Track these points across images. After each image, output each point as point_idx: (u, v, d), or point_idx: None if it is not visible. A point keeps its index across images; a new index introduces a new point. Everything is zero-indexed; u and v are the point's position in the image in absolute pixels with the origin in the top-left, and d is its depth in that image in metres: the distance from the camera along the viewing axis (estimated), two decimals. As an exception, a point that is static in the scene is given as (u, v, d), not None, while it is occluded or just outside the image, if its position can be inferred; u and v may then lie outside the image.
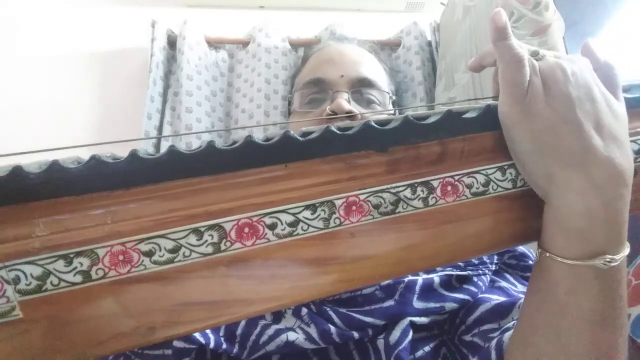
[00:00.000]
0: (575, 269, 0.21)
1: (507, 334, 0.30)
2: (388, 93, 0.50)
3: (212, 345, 0.31)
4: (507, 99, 0.22)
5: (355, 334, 0.31)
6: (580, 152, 0.21)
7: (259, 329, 0.32)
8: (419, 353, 0.32)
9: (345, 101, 0.44)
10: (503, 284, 0.38)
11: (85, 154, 0.19)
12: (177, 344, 0.31)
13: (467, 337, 0.33)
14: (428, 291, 0.34)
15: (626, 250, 0.22)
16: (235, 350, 0.31)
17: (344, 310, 0.33)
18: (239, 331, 0.32)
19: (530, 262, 0.40)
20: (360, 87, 0.47)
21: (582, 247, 0.21)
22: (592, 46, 0.26)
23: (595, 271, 0.21)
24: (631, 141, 0.25)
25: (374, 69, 0.50)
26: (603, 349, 0.22)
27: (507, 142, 0.23)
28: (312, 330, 0.31)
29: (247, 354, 0.31)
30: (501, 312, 0.33)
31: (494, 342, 0.30)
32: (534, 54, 0.23)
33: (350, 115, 0.43)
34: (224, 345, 0.31)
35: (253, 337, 0.31)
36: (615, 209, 0.21)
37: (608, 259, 0.21)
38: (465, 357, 0.32)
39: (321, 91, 0.48)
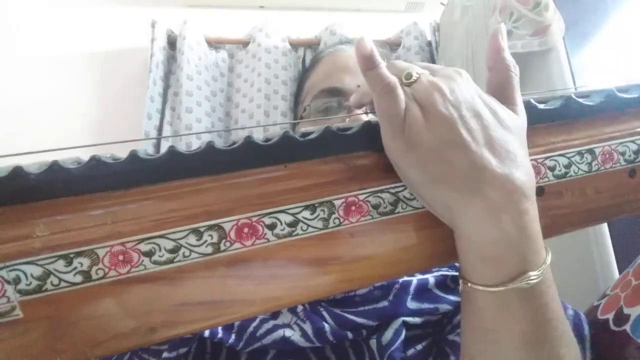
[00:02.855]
0: (499, 295, 0.20)
1: None
2: None
3: (206, 333, 0.31)
4: (387, 132, 0.21)
5: (349, 334, 0.31)
6: (473, 174, 0.19)
7: (257, 322, 0.32)
8: (411, 351, 0.32)
9: (364, 115, 0.44)
10: None
11: (85, 155, 0.19)
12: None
13: (451, 337, 0.33)
14: (422, 292, 0.34)
15: (547, 258, 0.20)
16: (231, 340, 0.31)
17: (337, 311, 0.33)
18: (237, 322, 0.32)
19: None
20: None
21: (501, 272, 0.20)
22: (500, 36, 0.23)
23: (520, 292, 0.20)
24: (630, 141, 0.25)
25: None
26: None
27: (400, 176, 0.21)
28: (308, 328, 0.31)
29: (243, 345, 0.31)
30: None
31: None
32: (407, 77, 0.21)
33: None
34: (220, 334, 0.31)
35: (250, 329, 0.31)
36: (522, 226, 0.19)
37: (531, 277, 0.19)
38: (446, 356, 0.32)
39: (337, 100, 0.47)
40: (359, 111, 0.44)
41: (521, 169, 0.20)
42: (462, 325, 0.24)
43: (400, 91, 0.21)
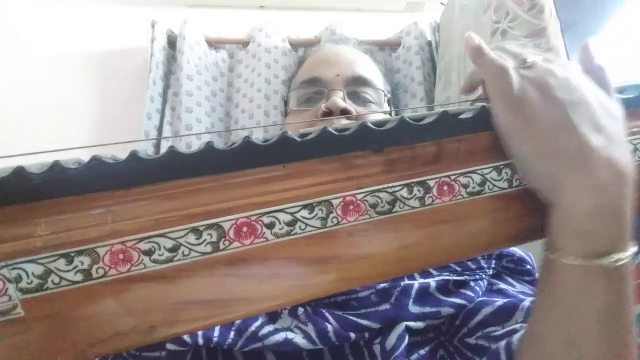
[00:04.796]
0: (583, 270, 0.21)
1: (516, 336, 0.30)
2: (383, 91, 0.50)
3: (201, 341, 0.30)
4: (501, 109, 0.22)
5: (352, 335, 0.31)
6: (580, 155, 0.21)
7: (259, 322, 0.31)
8: (414, 356, 0.32)
9: (340, 99, 0.44)
10: (501, 285, 0.38)
11: (85, 156, 0.19)
12: (169, 346, 0.31)
13: (471, 340, 0.33)
14: (424, 295, 0.34)
15: (632, 248, 0.22)
16: (229, 339, 0.30)
17: (339, 313, 0.33)
18: (237, 322, 0.31)
19: (529, 266, 0.41)
20: (355, 85, 0.48)
21: (590, 248, 0.21)
22: (590, 47, 0.26)
23: (604, 271, 0.21)
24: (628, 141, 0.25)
25: (369, 68, 0.51)
26: (615, 347, 0.22)
27: (509, 147, 0.23)
28: (310, 329, 0.31)
29: (242, 344, 0.30)
30: (504, 314, 0.33)
31: (502, 343, 0.30)
32: (522, 63, 0.23)
33: (347, 115, 0.43)
34: (216, 338, 0.30)
35: (253, 328, 0.31)
36: (620, 209, 0.21)
37: (615, 258, 0.21)
38: None
39: (317, 90, 0.48)
40: (343, 120, 0.44)
41: (625, 155, 0.22)
42: (537, 300, 0.25)
43: (512, 70, 0.23)
